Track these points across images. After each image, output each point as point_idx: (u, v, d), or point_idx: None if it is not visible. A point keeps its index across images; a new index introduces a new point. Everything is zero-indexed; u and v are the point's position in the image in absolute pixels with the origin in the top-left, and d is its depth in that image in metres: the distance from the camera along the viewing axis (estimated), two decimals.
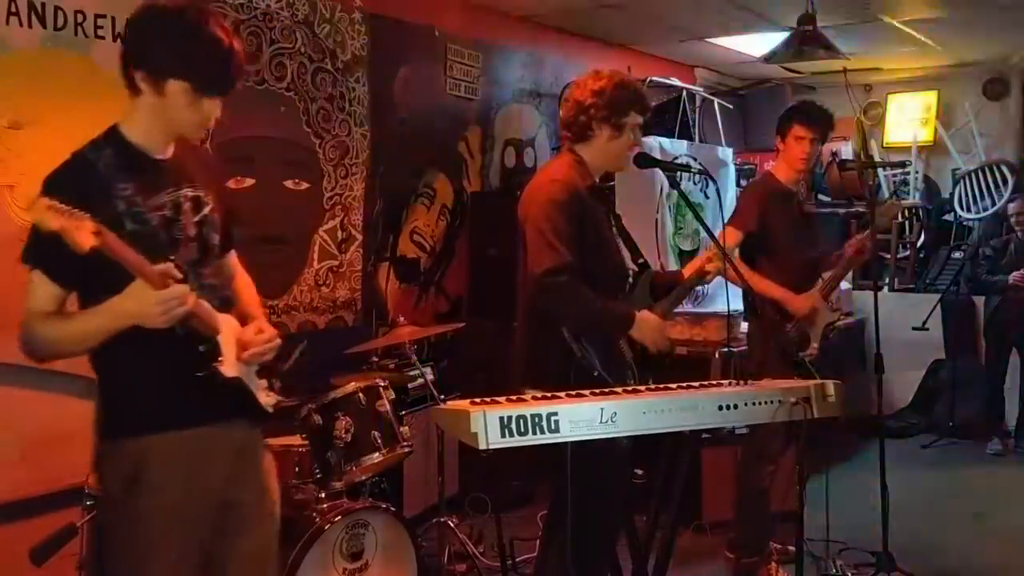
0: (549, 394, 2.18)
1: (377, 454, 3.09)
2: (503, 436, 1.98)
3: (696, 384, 2.31)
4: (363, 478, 3.15)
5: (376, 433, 3.10)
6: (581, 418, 2.05)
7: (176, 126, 2.00)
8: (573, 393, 2.18)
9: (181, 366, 1.96)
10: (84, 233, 1.69)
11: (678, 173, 2.75)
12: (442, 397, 3.48)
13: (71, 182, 1.88)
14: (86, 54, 3.46)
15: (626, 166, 2.87)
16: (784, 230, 3.68)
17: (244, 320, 2.15)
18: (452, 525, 3.69)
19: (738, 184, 6.43)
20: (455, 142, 5.28)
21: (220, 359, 1.97)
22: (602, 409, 2.07)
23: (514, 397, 2.16)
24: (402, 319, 3.75)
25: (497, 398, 2.16)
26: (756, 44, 6.01)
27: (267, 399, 2.11)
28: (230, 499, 2.07)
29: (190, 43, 1.91)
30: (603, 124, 2.75)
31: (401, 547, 3.09)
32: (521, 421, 2.00)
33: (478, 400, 2.12)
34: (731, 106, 6.79)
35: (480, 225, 5.28)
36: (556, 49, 5.93)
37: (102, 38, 3.49)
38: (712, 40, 6.17)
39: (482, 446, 1.99)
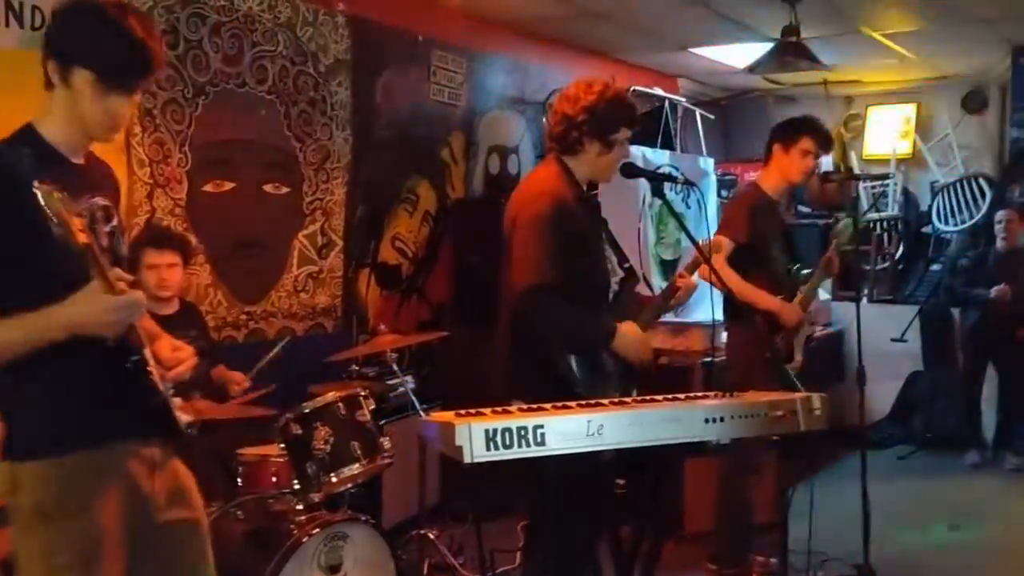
0: (535, 406, 2.15)
1: (357, 465, 3.04)
2: (488, 449, 1.95)
3: (682, 396, 2.29)
4: (342, 489, 3.10)
5: (356, 444, 3.05)
6: (567, 430, 2.01)
7: (85, 123, 1.88)
8: (559, 405, 2.15)
9: (107, 379, 1.86)
10: (78, 226, 1.64)
11: (663, 183, 2.72)
12: (424, 407, 3.44)
13: None
14: None
15: (612, 178, 2.85)
16: (772, 241, 3.68)
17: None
18: (432, 537, 3.65)
19: (719, 195, 6.43)
20: (438, 148, 5.25)
21: (150, 372, 1.89)
22: (588, 422, 2.03)
23: (499, 409, 2.12)
24: (383, 327, 3.71)
25: (482, 409, 2.12)
26: (738, 55, 6.02)
27: (185, 417, 2.02)
28: (165, 518, 1.99)
29: (100, 32, 1.84)
30: (593, 140, 2.72)
31: (380, 560, 3.04)
32: (507, 434, 1.96)
33: (463, 412, 2.08)
34: (712, 116, 6.81)
35: (463, 232, 5.24)
36: (540, 57, 5.91)
37: None
38: (695, 50, 6.18)
39: (467, 460, 1.95)
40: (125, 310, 1.78)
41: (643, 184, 5.35)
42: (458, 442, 1.95)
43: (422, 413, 3.31)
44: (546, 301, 2.58)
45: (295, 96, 4.33)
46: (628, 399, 2.37)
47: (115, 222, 1.99)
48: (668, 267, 5.89)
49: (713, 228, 6.34)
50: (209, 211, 3.99)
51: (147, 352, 1.91)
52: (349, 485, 3.11)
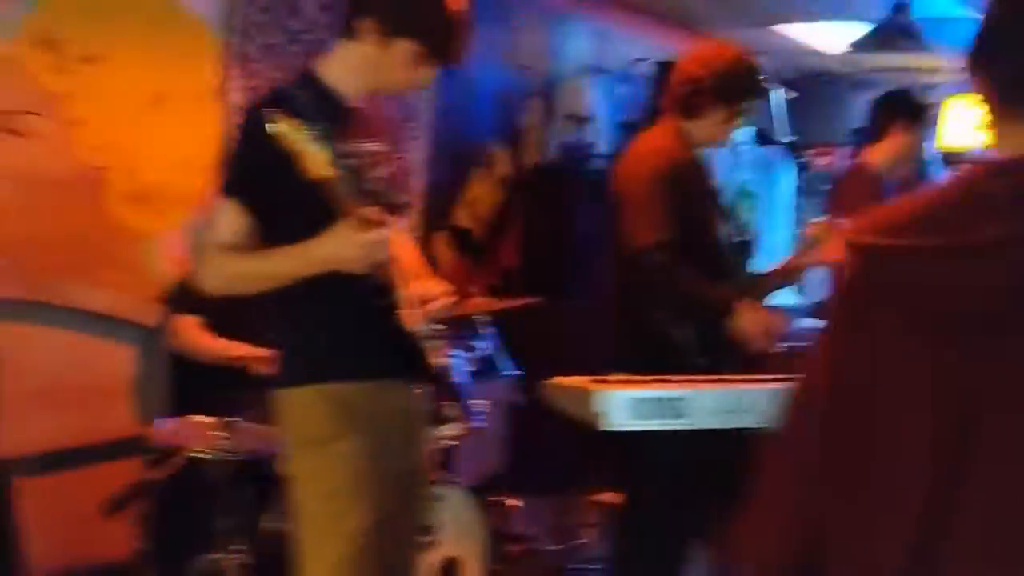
0: (679, 377, 2.07)
1: (450, 426, 2.99)
2: (631, 418, 1.87)
3: None
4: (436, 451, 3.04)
5: (448, 405, 2.99)
6: (710, 405, 1.93)
7: (385, 82, 1.96)
8: (704, 377, 2.07)
9: (371, 315, 1.91)
10: (320, 162, 1.67)
11: (791, 157, 2.63)
12: (507, 372, 3.37)
13: (261, 117, 1.80)
14: None
15: (727, 144, 2.76)
16: None
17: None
18: (511, 505, 3.59)
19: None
20: (517, 113, 5.14)
21: (400, 311, 1.91)
22: (734, 396, 1.95)
23: (636, 378, 2.05)
24: (473, 290, 3.64)
25: (608, 377, 2.06)
26: (826, 34, 5.86)
27: (437, 360, 2.03)
28: (402, 466, 2.03)
29: (432, 8, 1.90)
30: (719, 105, 2.62)
31: (472, 524, 2.98)
32: (650, 404, 1.88)
33: (596, 378, 2.02)
34: (795, 95, 6.63)
35: (536, 200, 5.14)
36: (620, 24, 5.77)
37: None
38: (780, 27, 6.01)
39: (604, 427, 1.88)
40: (370, 247, 1.81)
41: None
42: (594, 408, 1.88)
43: (506, 376, 3.26)
44: (664, 261, 2.48)
45: None
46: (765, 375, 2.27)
47: (389, 169, 2.04)
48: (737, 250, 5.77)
49: (787, 210, 6.19)
50: None
51: (400, 291, 1.93)
52: (444, 446, 3.04)
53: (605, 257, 4.75)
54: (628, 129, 5.62)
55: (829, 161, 7.09)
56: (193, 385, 3.19)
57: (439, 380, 2.11)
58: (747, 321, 2.55)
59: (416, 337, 1.97)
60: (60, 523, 2.85)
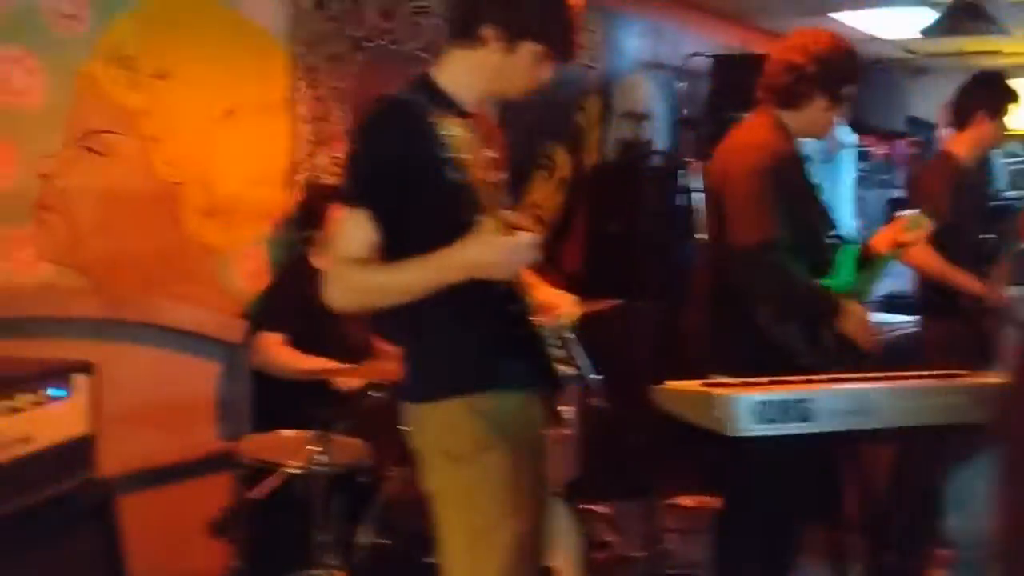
0: (798, 378, 2.00)
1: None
2: (757, 422, 1.80)
3: (954, 372, 2.10)
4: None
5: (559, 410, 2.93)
6: (835, 407, 1.86)
7: (509, 86, 1.91)
8: (821, 377, 2.00)
9: (508, 324, 1.86)
10: (480, 164, 1.67)
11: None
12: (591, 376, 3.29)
13: (395, 121, 1.81)
14: (235, 6, 3.31)
15: (829, 135, 2.67)
16: (971, 219, 3.40)
17: None
18: (598, 511, 3.53)
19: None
20: (574, 112, 5.08)
21: (533, 319, 1.87)
22: (858, 396, 1.88)
23: (755, 380, 1.98)
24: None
25: (724, 380, 2.00)
26: (884, 21, 5.73)
27: (565, 368, 1.96)
28: (536, 471, 1.96)
29: (553, 8, 1.87)
30: (823, 93, 2.54)
31: (569, 532, 2.92)
32: (776, 407, 1.82)
33: (709, 382, 1.96)
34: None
35: (598, 200, 5.07)
36: (674, 20, 5.69)
37: None
38: (837, 15, 5.89)
39: (729, 432, 1.82)
40: (518, 252, 1.76)
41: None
42: (718, 413, 1.82)
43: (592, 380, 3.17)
44: (771, 260, 2.41)
45: None
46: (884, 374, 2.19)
47: (503, 176, 1.97)
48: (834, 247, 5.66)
49: (848, 201, 6.02)
50: None
51: (530, 299, 1.88)
52: None
53: (671, 257, 4.69)
54: (685, 126, 5.55)
55: (888, 150, 6.95)
56: (277, 400, 3.18)
57: (564, 388, 2.03)
58: (854, 320, 2.48)
59: (546, 345, 1.92)
60: (153, 540, 2.84)
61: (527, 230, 1.80)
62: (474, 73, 1.89)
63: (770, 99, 2.62)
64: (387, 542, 2.63)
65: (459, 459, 1.85)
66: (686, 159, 5.21)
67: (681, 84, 5.42)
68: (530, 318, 1.87)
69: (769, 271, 2.42)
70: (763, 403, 1.78)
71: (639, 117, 5.48)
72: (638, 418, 3.45)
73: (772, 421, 1.80)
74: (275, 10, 3.44)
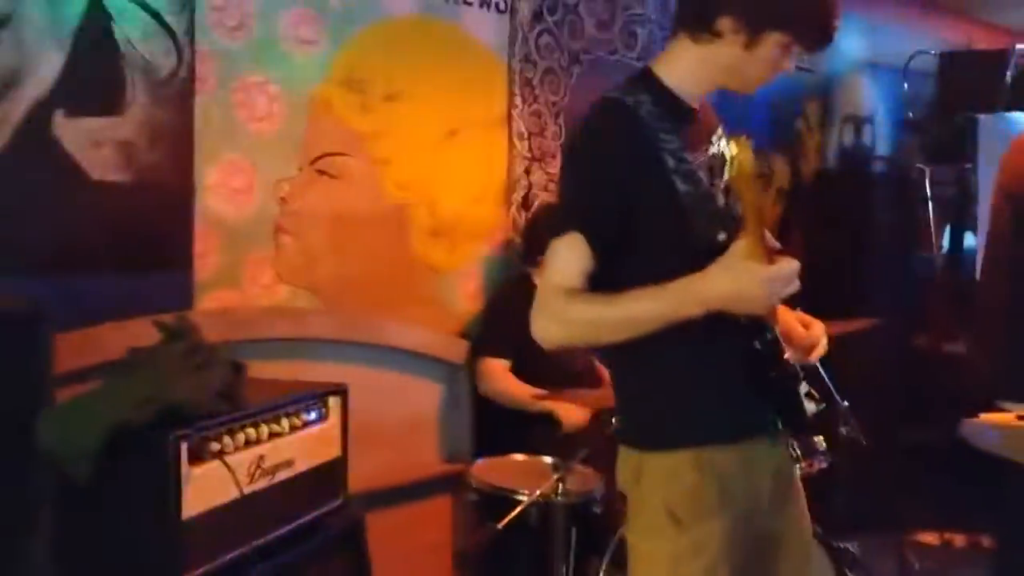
0: None
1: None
2: None
3: None
4: None
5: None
6: None
7: (740, 80, 1.69)
8: None
9: (738, 364, 1.61)
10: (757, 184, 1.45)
11: None
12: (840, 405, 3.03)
13: (616, 126, 1.60)
14: (457, 21, 3.29)
15: None
16: None
17: None
18: (850, 549, 3.26)
19: None
20: (793, 118, 4.80)
21: (784, 355, 1.62)
22: None
23: None
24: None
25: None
26: None
27: (811, 406, 1.69)
28: (769, 528, 1.72)
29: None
30: None
31: (824, 569, 2.71)
32: None
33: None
34: None
35: (817, 212, 4.77)
36: (894, 16, 5.30)
37: (470, 4, 3.32)
38: None
39: None
40: (779, 283, 1.51)
41: None
42: None
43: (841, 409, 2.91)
44: None
45: None
46: None
47: (728, 176, 1.69)
48: None
49: None
50: None
51: (778, 331, 1.64)
52: None
53: (901, 272, 4.31)
54: (911, 129, 5.15)
55: None
56: (501, 423, 3.11)
57: (811, 430, 1.73)
58: None
59: (795, 384, 1.66)
60: (382, 562, 2.83)
61: (784, 254, 1.55)
62: (705, 68, 1.68)
63: None
64: None
65: (674, 520, 1.61)
66: (916, 165, 4.84)
67: (904, 85, 5.03)
68: (781, 356, 1.62)
69: None
70: None
71: (861, 120, 5.14)
72: (886, 447, 3.17)
73: None
74: (494, 25, 3.40)
